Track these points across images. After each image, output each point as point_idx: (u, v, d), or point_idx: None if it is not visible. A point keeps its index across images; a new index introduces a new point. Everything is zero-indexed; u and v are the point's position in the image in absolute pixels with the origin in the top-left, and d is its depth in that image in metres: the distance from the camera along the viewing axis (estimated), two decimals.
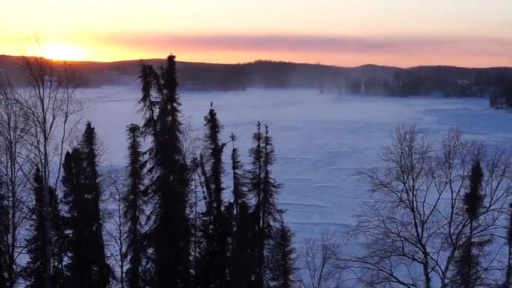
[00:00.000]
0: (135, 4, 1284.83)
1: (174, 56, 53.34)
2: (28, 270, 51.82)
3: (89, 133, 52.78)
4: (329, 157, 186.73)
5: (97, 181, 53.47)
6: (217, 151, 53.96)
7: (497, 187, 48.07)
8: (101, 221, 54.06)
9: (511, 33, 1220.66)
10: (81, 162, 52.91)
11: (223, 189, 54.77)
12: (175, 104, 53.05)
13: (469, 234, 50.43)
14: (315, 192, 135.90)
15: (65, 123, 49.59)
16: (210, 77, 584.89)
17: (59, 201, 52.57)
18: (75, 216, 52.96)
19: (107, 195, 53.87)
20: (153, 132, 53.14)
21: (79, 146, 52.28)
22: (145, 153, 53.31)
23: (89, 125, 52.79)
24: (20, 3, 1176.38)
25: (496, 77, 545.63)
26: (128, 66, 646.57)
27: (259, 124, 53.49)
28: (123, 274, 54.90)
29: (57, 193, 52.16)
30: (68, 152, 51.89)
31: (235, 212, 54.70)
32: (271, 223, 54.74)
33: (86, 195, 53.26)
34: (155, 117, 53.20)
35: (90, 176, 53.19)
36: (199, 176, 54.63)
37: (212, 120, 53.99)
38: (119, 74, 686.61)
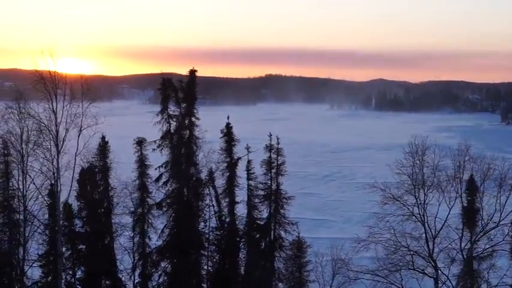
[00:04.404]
0: (146, 18, 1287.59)
1: (195, 71, 53.75)
2: (39, 284, 51.91)
3: (103, 146, 52.95)
4: (338, 171, 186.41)
5: (110, 194, 53.58)
6: (233, 164, 54.07)
7: (505, 202, 48.15)
8: (114, 235, 54.13)
9: None
10: (95, 176, 53.02)
11: (238, 203, 54.87)
12: (193, 119, 53.29)
13: (479, 249, 50.46)
14: (325, 206, 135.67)
15: (78, 137, 49.75)
16: (221, 91, 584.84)
17: (75, 215, 52.62)
18: (88, 231, 53.05)
19: (121, 209, 53.99)
20: (169, 145, 53.29)
21: (93, 159, 52.43)
22: (161, 166, 53.43)
23: (103, 138, 52.95)
24: (30, 18, 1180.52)
25: (506, 91, 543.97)
26: (138, 80, 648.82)
27: (271, 135, 53.69)
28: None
29: (72, 207, 52.34)
30: (82, 168, 52.06)
31: (245, 224, 54.83)
32: (283, 235, 54.82)
33: (98, 210, 53.34)
34: (172, 131, 53.39)
35: (103, 189, 53.29)
36: (209, 191, 54.76)
37: (228, 134, 54.18)
38: (129, 88, 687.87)
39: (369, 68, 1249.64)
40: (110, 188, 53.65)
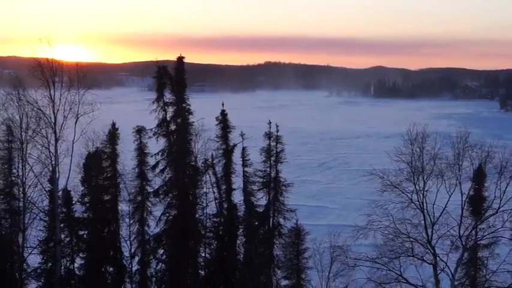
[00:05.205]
0: (145, 5, 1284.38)
1: (183, 57, 53.46)
2: (38, 271, 52.10)
3: (113, 133, 53.08)
4: (336, 159, 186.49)
5: (117, 181, 53.78)
6: (228, 151, 54.06)
7: (506, 188, 48.10)
8: (120, 222, 54.28)
9: None
10: (102, 163, 53.12)
11: (235, 189, 54.87)
12: (185, 105, 53.17)
13: (479, 236, 50.51)
14: (323, 193, 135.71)
15: (75, 124, 49.92)
16: (220, 79, 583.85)
17: (74, 202, 52.74)
18: (91, 217, 53.15)
19: (120, 197, 54.12)
20: (165, 133, 53.27)
21: (101, 145, 52.66)
22: (157, 153, 53.46)
23: (113, 124, 53.22)
24: (30, 5, 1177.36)
25: (505, 79, 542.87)
26: (137, 67, 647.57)
27: (270, 123, 53.75)
28: (132, 275, 55.13)
29: (71, 194, 52.40)
30: (88, 153, 52.11)
31: (244, 211, 54.90)
32: (281, 222, 54.90)
33: (104, 196, 53.53)
34: (168, 118, 53.33)
35: (111, 176, 53.50)
36: (209, 177, 54.81)
37: (224, 121, 54.09)
38: (129, 75, 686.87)
39: (368, 56, 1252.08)
40: (118, 175, 53.76)
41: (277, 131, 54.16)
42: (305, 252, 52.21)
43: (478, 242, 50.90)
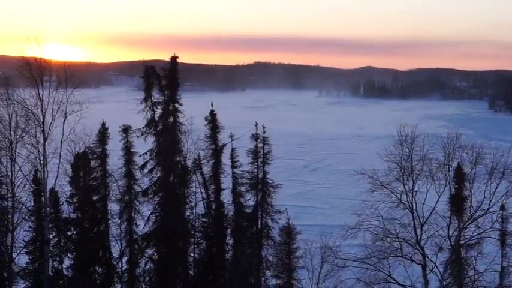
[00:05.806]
0: (134, 5, 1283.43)
1: (177, 57, 53.29)
2: (26, 271, 51.91)
3: (103, 133, 52.75)
4: (325, 159, 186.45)
5: (107, 181, 53.43)
6: (217, 151, 53.88)
7: (495, 189, 48.09)
8: (109, 221, 54.06)
9: (510, 36, 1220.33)
10: (90, 162, 52.88)
11: (223, 190, 54.64)
12: (176, 105, 53.05)
13: (467, 236, 50.52)
14: (312, 193, 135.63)
15: (63, 123, 49.70)
16: (209, 78, 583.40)
17: (61, 203, 52.51)
18: (80, 217, 52.91)
19: (110, 196, 53.89)
20: (154, 132, 53.09)
21: (93, 145, 52.37)
22: (146, 153, 53.26)
23: (103, 124, 52.87)
24: (20, 3, 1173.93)
25: (494, 79, 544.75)
26: (126, 66, 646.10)
27: (257, 124, 53.57)
28: (121, 275, 54.92)
29: (58, 194, 52.18)
30: (77, 153, 51.90)
31: (233, 212, 54.77)
32: (269, 223, 54.77)
33: (92, 196, 53.21)
34: (157, 118, 53.19)
35: (101, 175, 53.20)
36: (196, 177, 54.64)
37: (213, 121, 53.91)
38: (118, 74, 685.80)
39: (358, 56, 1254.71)
40: (107, 175, 53.50)
41: (264, 133, 53.92)
42: (296, 251, 52.09)
43: (467, 243, 50.89)
